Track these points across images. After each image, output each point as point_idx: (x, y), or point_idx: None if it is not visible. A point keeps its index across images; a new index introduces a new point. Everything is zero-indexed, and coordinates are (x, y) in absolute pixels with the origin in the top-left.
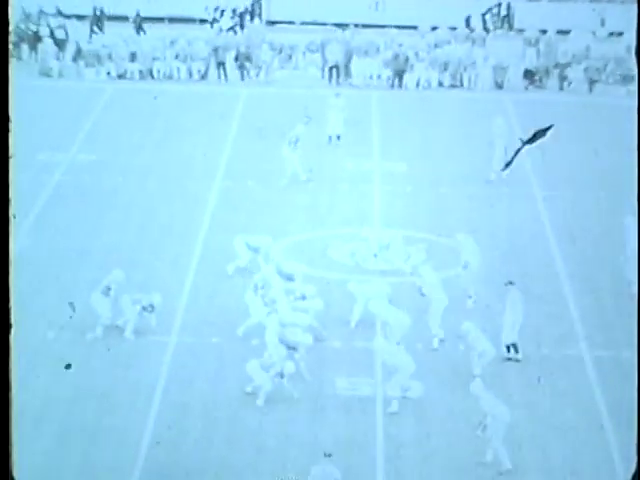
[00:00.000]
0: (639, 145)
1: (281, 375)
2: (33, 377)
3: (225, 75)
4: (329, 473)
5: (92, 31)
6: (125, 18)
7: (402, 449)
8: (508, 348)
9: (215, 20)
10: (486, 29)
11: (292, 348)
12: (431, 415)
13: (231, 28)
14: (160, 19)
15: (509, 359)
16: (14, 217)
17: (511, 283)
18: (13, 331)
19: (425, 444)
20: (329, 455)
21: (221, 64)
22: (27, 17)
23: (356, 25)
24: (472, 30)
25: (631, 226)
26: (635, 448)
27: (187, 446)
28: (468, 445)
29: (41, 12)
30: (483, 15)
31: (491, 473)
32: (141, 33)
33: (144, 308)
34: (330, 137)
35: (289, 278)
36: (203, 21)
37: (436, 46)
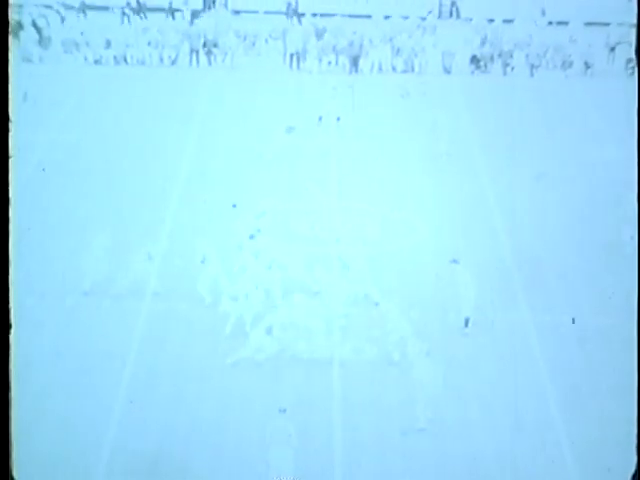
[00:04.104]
0: (639, 138)
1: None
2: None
3: (197, 61)
4: (283, 428)
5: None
6: (105, 8)
7: (357, 407)
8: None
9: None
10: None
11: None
12: (384, 377)
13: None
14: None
15: (458, 330)
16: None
17: (455, 261)
18: (13, 331)
19: (378, 403)
20: (284, 410)
21: (192, 51)
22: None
23: (314, 14)
24: (424, 19)
25: None
26: (635, 448)
27: (158, 405)
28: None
29: (24, 1)
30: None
31: (438, 430)
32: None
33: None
34: None
35: (256, 247)
36: (174, 10)
37: (389, 34)
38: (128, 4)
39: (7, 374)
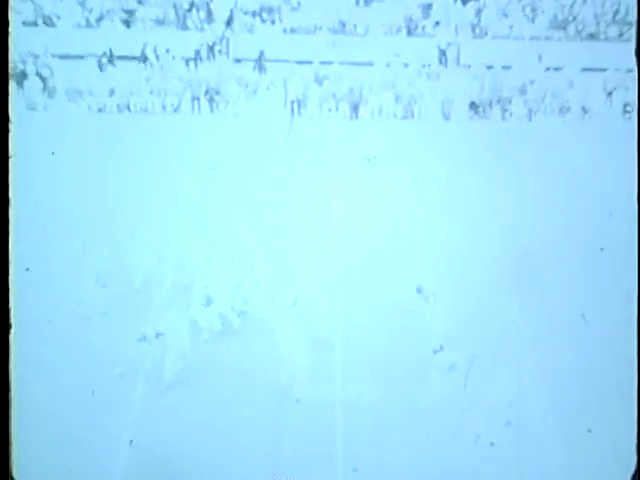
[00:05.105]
0: (639, 156)
1: None
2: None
3: (199, 108)
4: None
5: None
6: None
7: (360, 444)
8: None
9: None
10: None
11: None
12: (385, 412)
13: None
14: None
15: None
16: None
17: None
18: (13, 331)
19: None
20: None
21: (193, 98)
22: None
23: (315, 62)
24: (425, 66)
25: None
26: (635, 448)
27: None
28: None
29: (28, 52)
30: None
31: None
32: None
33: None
34: None
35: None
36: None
37: (390, 81)
38: (104, 53)
39: (7, 374)
